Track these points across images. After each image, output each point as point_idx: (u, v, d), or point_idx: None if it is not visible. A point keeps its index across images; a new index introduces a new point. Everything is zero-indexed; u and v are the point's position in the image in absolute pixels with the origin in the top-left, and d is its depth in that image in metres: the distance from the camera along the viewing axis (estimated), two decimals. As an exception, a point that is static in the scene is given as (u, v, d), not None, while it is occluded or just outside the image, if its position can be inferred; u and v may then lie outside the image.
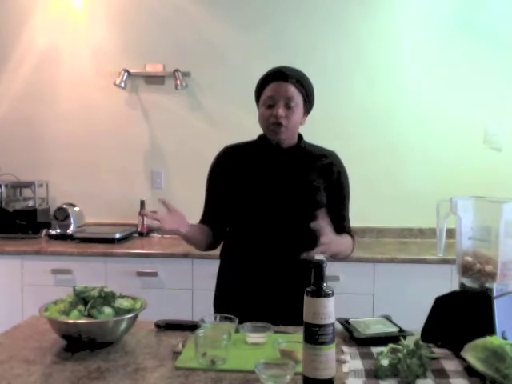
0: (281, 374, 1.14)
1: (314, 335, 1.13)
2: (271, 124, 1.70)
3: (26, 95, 3.53)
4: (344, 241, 1.79)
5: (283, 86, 1.70)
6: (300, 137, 1.82)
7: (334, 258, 1.72)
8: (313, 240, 1.79)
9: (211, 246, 1.88)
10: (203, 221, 1.87)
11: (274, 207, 1.73)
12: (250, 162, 1.80)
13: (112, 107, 3.49)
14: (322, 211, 1.66)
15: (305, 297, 1.16)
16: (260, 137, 1.84)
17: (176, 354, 1.35)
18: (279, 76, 1.71)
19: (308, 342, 1.14)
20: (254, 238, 1.76)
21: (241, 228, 1.80)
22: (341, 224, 1.82)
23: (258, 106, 1.81)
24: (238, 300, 1.76)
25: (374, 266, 2.83)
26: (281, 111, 1.68)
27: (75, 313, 1.38)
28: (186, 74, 3.41)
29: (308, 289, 1.16)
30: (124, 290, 1.54)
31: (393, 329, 1.47)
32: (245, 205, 1.76)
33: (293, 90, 1.70)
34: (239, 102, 3.32)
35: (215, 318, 1.50)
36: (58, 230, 3.28)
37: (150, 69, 3.45)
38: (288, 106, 1.69)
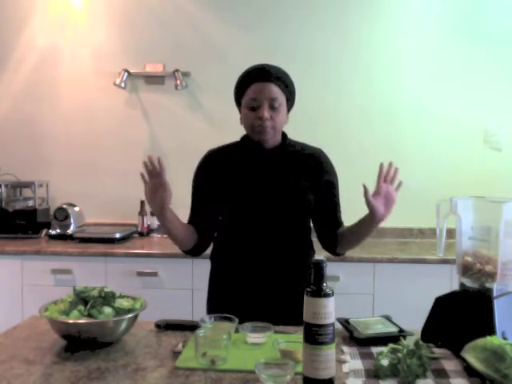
0: (281, 374, 1.14)
1: (314, 335, 1.13)
2: (256, 126, 1.67)
3: (26, 95, 3.53)
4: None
5: (266, 86, 1.66)
6: (284, 135, 1.79)
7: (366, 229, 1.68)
8: (303, 240, 1.80)
9: (196, 250, 1.80)
10: (189, 222, 1.82)
11: (261, 208, 1.71)
12: (235, 164, 1.77)
13: (112, 107, 3.49)
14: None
15: (305, 297, 1.16)
16: (243, 138, 1.81)
17: (176, 353, 1.35)
18: (261, 76, 1.67)
19: (308, 342, 1.14)
20: (243, 239, 1.75)
21: (229, 230, 1.79)
22: (335, 222, 1.81)
23: (237, 104, 1.77)
24: (231, 302, 1.74)
25: (373, 266, 2.83)
26: (266, 113, 1.65)
27: (75, 313, 1.38)
28: (186, 74, 3.41)
29: (308, 289, 1.16)
30: (124, 289, 1.55)
31: (393, 329, 1.47)
32: (232, 207, 1.75)
33: (276, 91, 1.67)
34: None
35: (215, 318, 1.49)
36: (58, 230, 3.28)
37: (150, 69, 3.45)
38: (272, 107, 1.66)
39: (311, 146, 1.83)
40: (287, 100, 1.72)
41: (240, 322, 1.47)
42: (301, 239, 1.79)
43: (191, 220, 1.82)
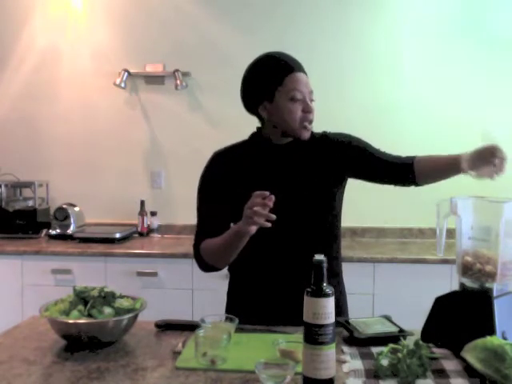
0: (281, 373, 1.14)
1: (314, 335, 1.13)
2: (306, 121, 1.57)
3: (26, 95, 3.53)
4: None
5: (304, 77, 1.56)
6: None
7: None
8: (327, 240, 1.67)
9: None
10: (204, 233, 1.64)
11: (281, 210, 1.51)
12: (247, 164, 1.65)
13: (112, 107, 3.49)
14: None
15: (305, 297, 1.15)
16: (254, 135, 1.70)
17: (176, 353, 1.35)
18: (298, 66, 1.56)
19: (308, 342, 1.14)
20: (263, 245, 1.58)
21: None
22: (390, 159, 1.74)
23: (263, 95, 1.60)
24: (253, 310, 1.63)
25: (373, 266, 2.83)
26: (313, 107, 1.56)
27: (75, 313, 1.38)
28: (186, 74, 3.41)
29: (308, 289, 1.15)
30: (124, 290, 1.54)
31: (393, 329, 1.46)
32: None
33: (310, 83, 1.58)
34: (239, 103, 3.30)
35: (215, 318, 1.49)
36: (58, 230, 3.28)
37: (150, 69, 3.45)
38: (311, 100, 1.58)
39: (316, 132, 1.72)
40: None
41: (260, 323, 1.47)
42: (326, 242, 1.67)
43: (206, 231, 1.65)
